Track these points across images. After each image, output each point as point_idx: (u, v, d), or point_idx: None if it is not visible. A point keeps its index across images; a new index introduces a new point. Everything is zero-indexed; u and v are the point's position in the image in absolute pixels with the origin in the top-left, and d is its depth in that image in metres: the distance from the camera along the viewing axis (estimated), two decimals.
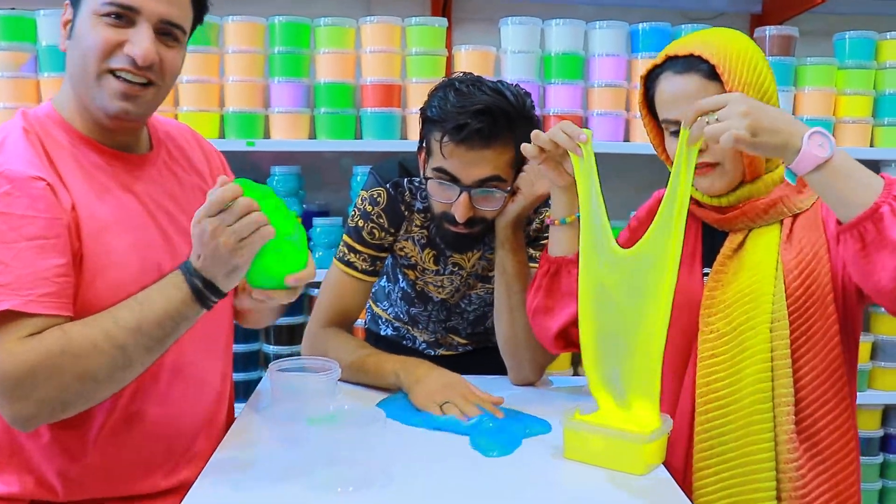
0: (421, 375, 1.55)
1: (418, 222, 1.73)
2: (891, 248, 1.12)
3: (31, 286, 1.15)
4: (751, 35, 2.64)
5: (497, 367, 1.74)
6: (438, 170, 1.54)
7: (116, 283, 1.24)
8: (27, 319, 1.15)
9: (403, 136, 2.67)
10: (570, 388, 1.73)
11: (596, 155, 1.34)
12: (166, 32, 1.28)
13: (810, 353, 1.33)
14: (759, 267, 1.36)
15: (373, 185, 1.72)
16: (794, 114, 2.73)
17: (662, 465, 1.29)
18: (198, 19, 1.36)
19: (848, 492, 1.35)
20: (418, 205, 1.71)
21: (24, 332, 1.14)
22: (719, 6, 3.01)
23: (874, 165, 2.79)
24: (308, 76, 2.65)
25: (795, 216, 1.38)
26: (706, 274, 1.42)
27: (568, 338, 1.48)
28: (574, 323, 1.39)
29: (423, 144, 1.59)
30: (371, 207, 1.71)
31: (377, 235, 1.71)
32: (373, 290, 1.92)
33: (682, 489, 1.24)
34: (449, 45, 2.76)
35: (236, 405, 1.59)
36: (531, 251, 1.69)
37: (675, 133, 1.35)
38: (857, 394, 1.45)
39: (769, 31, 2.73)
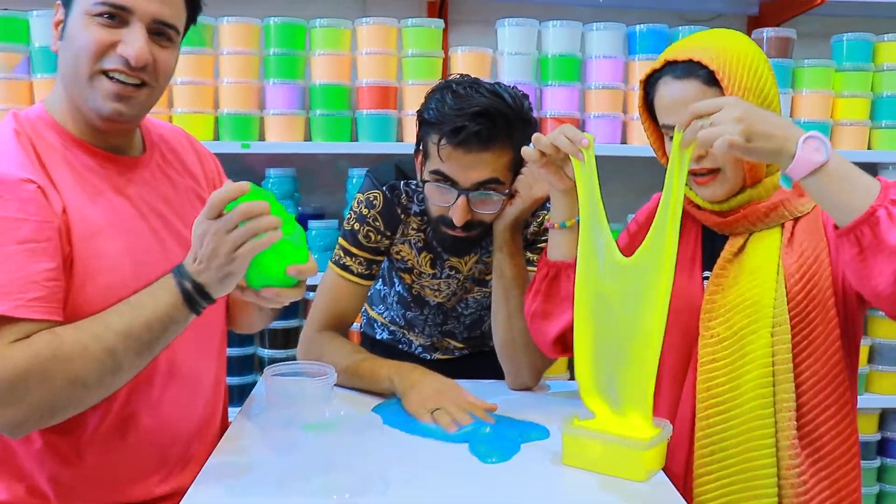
0: (415, 381, 1.54)
1: (415, 225, 1.72)
2: (887, 253, 1.12)
3: (20, 290, 1.13)
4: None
5: (493, 372, 1.73)
6: (436, 173, 1.52)
7: (108, 287, 1.22)
8: (16, 324, 1.13)
9: (399, 139, 2.67)
10: (567, 392, 1.72)
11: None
12: (160, 32, 1.26)
13: (812, 358, 1.32)
14: (760, 271, 1.35)
15: (369, 187, 1.71)
16: (791, 116, 2.73)
17: (662, 472, 1.29)
18: (191, 19, 1.35)
19: (850, 498, 1.35)
20: (415, 208, 1.70)
21: (12, 338, 1.13)
22: (716, 8, 3.01)
23: (871, 168, 2.80)
24: (303, 78, 2.64)
25: (796, 219, 1.38)
26: (706, 278, 1.41)
27: (566, 342, 1.47)
28: (573, 328, 1.37)
29: (420, 147, 1.58)
30: (367, 210, 1.70)
31: (373, 239, 1.70)
32: (368, 294, 1.91)
33: (683, 495, 1.23)
34: (445, 47, 2.75)
35: (230, 409, 1.58)
36: (529, 254, 1.68)
37: None
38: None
39: (766, 32, 2.73)
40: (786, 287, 1.33)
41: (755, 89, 1.32)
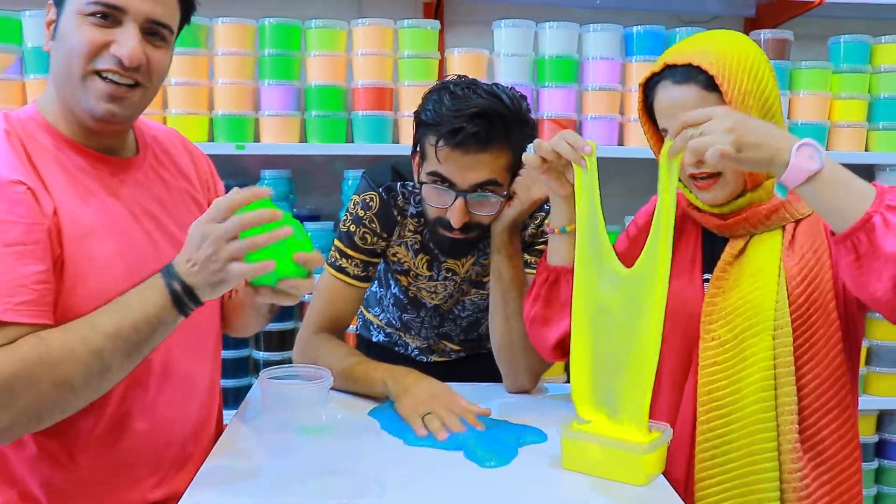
0: (408, 385, 1.53)
1: (411, 227, 1.71)
2: (884, 259, 1.11)
3: (8, 294, 1.12)
4: None
5: (490, 374, 1.72)
6: (433, 174, 1.51)
7: (99, 289, 1.21)
8: (3, 328, 1.11)
9: (395, 140, 2.66)
10: (565, 395, 1.70)
11: None
12: (153, 32, 1.25)
13: (813, 361, 1.32)
14: (761, 273, 1.34)
15: (365, 189, 1.70)
16: (788, 118, 2.73)
17: (662, 476, 1.28)
18: (185, 19, 1.34)
19: (852, 501, 1.34)
20: (411, 209, 1.69)
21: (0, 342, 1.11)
22: (714, 9, 3.01)
23: (869, 170, 2.80)
24: (299, 79, 2.63)
25: (797, 222, 1.37)
26: (706, 280, 1.41)
27: (566, 347, 1.46)
28: None
29: (418, 148, 1.57)
30: (363, 212, 1.68)
31: (369, 240, 1.69)
32: (364, 296, 1.90)
33: (684, 499, 1.22)
34: (441, 48, 2.75)
35: (225, 412, 1.57)
36: (527, 256, 1.67)
37: None
38: None
39: (764, 34, 2.73)
40: (787, 290, 1.32)
41: (755, 92, 1.31)
